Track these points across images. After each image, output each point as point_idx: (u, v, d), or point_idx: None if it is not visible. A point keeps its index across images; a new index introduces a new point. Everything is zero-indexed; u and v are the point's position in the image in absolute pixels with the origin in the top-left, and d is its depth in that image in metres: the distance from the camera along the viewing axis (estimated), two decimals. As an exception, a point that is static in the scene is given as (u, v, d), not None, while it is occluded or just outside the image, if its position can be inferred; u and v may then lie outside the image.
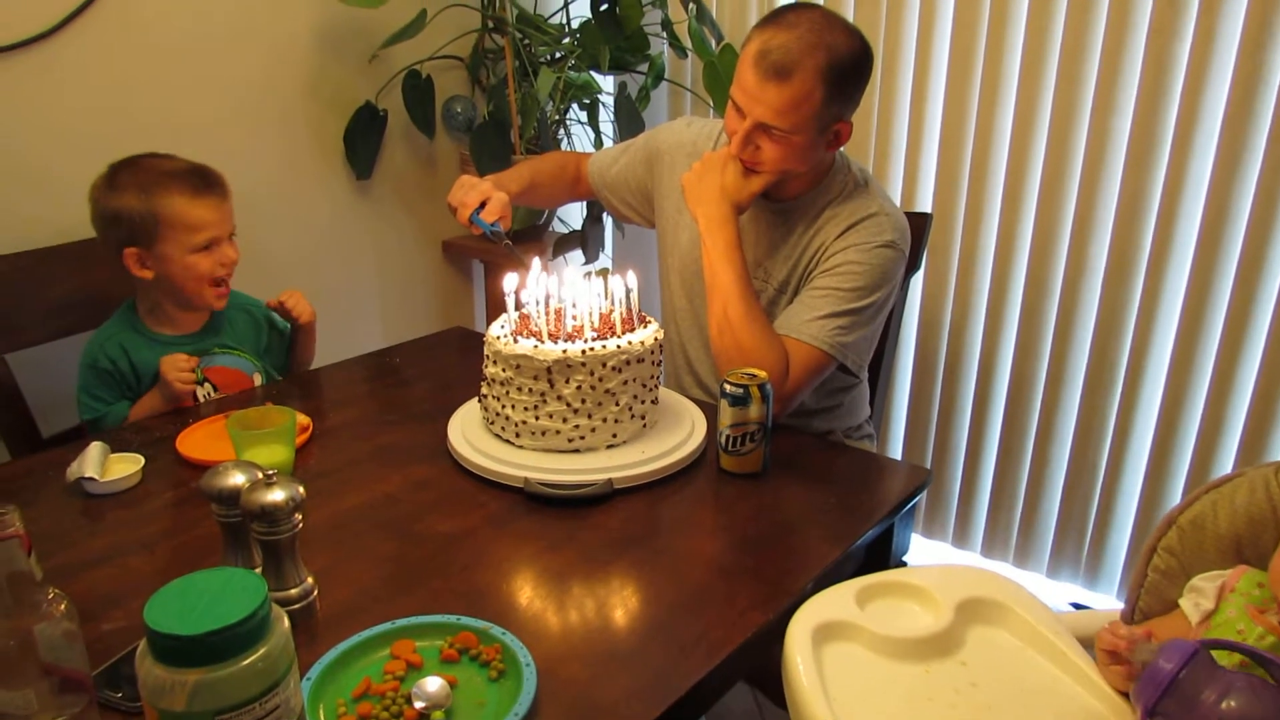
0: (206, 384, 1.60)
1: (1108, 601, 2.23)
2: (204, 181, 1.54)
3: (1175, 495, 2.08)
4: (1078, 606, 2.22)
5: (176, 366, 1.50)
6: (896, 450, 2.45)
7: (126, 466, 1.26)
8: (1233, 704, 0.73)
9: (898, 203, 1.88)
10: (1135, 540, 2.16)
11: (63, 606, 0.76)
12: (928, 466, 2.39)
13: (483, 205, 1.55)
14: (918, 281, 2.25)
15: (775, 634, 0.97)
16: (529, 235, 2.56)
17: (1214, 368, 1.95)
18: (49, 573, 1.03)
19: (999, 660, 0.94)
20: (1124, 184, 1.97)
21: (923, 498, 2.40)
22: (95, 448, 1.26)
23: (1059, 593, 2.27)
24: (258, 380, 1.67)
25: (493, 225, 1.54)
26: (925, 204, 2.24)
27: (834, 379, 1.56)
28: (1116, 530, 2.18)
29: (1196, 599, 0.90)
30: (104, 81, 1.84)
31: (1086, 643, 0.95)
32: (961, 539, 2.41)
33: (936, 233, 2.20)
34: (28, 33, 1.71)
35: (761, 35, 1.38)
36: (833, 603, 0.98)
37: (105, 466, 1.24)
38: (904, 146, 2.24)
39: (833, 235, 1.50)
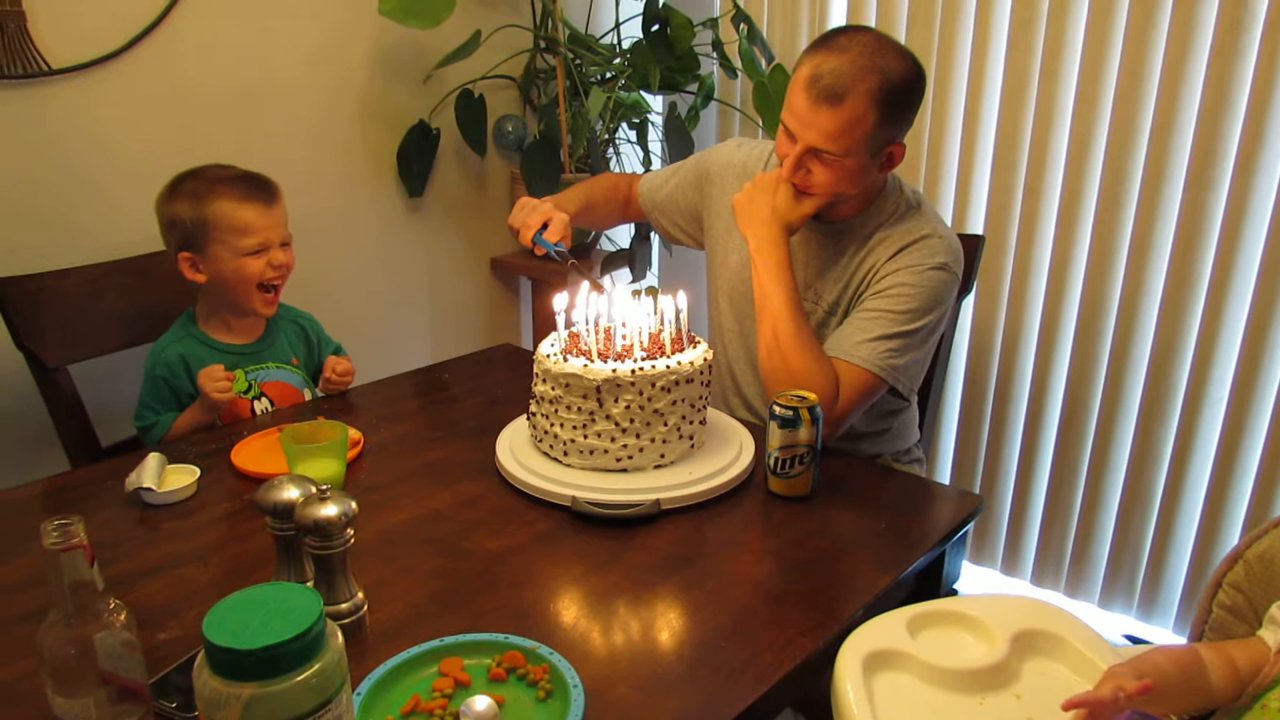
0: (264, 398, 1.62)
1: (1163, 635, 2.18)
2: (253, 187, 1.57)
3: (1235, 525, 2.03)
4: (1133, 639, 2.16)
5: (213, 378, 1.52)
6: (945, 474, 2.41)
7: (183, 477, 1.28)
8: None
9: (949, 224, 1.86)
10: (1193, 571, 2.10)
11: (123, 617, 0.77)
12: (977, 491, 2.35)
13: (544, 226, 1.57)
14: (968, 304, 2.22)
15: (824, 661, 0.96)
16: (576, 254, 2.57)
17: (1277, 395, 1.90)
18: (106, 581, 1.05)
19: (1055, 695, 0.91)
20: (1184, 205, 1.93)
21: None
22: (153, 458, 1.28)
23: (1112, 624, 2.22)
24: (307, 397, 1.69)
25: (556, 245, 1.56)
26: (977, 225, 2.21)
27: (884, 402, 1.54)
28: (1173, 560, 2.12)
29: (1276, 629, 0.88)
30: (167, 100, 1.88)
31: (1145, 678, 0.93)
32: (1011, 566, 2.36)
33: (988, 254, 2.17)
34: (94, 53, 1.76)
35: (812, 60, 1.37)
36: (884, 631, 0.97)
37: (162, 477, 1.27)
38: (955, 167, 2.22)
39: (884, 257, 1.48)
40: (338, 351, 1.78)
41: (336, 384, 1.67)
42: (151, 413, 1.57)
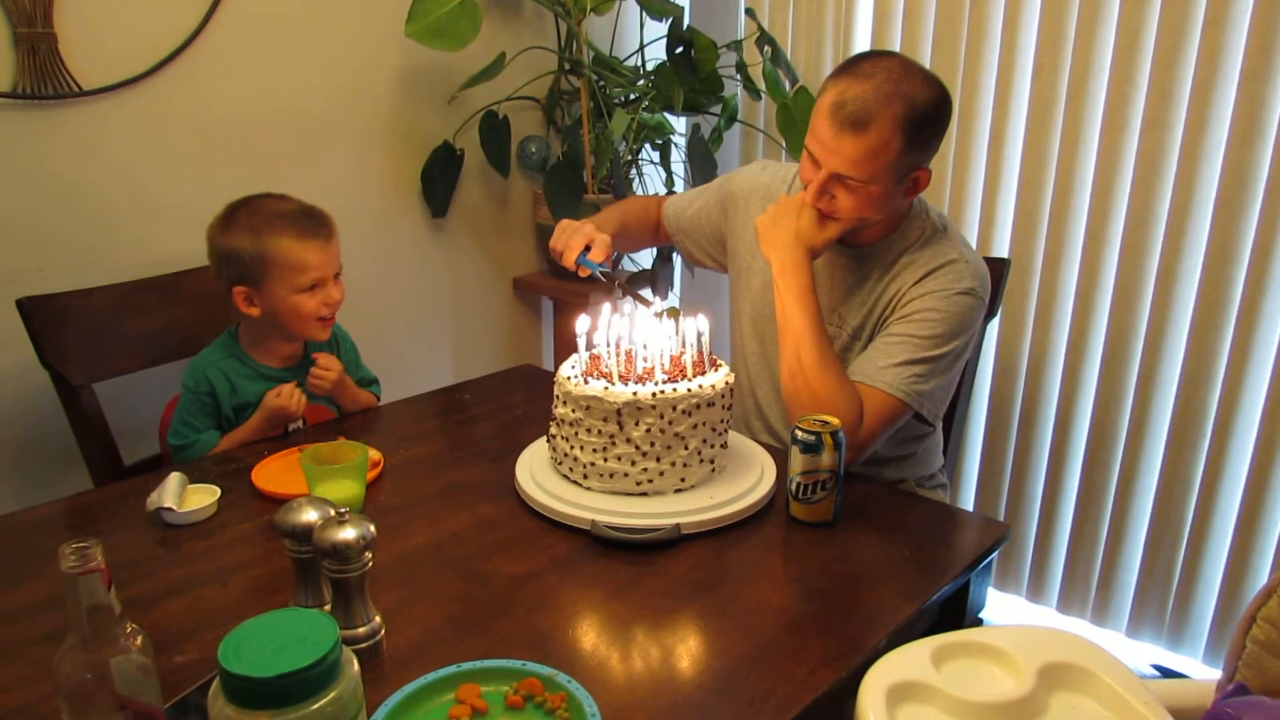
0: (302, 422, 1.63)
1: (1192, 665, 2.13)
2: (312, 223, 1.56)
3: (1267, 554, 1.99)
4: (1162, 670, 2.12)
5: (288, 394, 1.54)
6: (969, 500, 2.38)
7: (203, 497, 1.28)
8: None
9: (974, 248, 1.84)
10: (1223, 600, 2.06)
11: (139, 641, 0.76)
12: (1001, 518, 2.32)
13: (587, 249, 1.57)
14: (993, 328, 2.20)
15: (846, 692, 0.94)
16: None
17: (1310, 423, 1.87)
18: (125, 603, 1.04)
19: (1084, 731, 0.89)
20: (1213, 229, 1.91)
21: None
22: (174, 478, 1.29)
23: (1140, 653, 2.18)
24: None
25: (600, 266, 1.56)
26: (1002, 249, 2.19)
27: (908, 427, 1.52)
28: (1203, 589, 2.08)
29: None
30: (194, 121, 1.90)
31: (1178, 714, 0.90)
32: (1036, 593, 2.33)
33: (1014, 278, 2.16)
34: (124, 75, 1.78)
35: (837, 86, 1.37)
36: (907, 662, 0.94)
37: (183, 497, 1.27)
38: (981, 190, 2.20)
39: (910, 282, 1.47)
40: (364, 383, 1.75)
41: (318, 379, 1.62)
42: (191, 430, 1.56)
